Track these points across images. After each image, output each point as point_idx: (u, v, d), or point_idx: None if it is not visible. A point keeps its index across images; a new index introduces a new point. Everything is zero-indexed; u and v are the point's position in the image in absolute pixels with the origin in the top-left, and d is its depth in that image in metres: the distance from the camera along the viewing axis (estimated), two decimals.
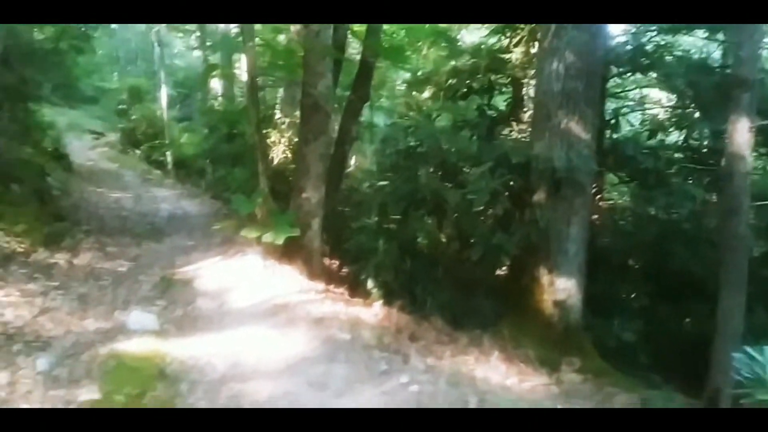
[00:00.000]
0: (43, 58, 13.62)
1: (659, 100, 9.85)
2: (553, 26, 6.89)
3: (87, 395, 4.01)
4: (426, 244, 7.48)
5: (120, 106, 22.47)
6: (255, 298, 6.36)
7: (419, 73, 11.11)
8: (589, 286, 7.17)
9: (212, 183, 14.29)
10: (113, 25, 30.59)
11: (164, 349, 4.97)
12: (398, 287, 7.17)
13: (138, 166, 18.37)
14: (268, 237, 6.96)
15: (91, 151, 20.11)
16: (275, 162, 11.16)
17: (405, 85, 13.57)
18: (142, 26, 25.24)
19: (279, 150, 11.26)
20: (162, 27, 19.14)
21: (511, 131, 8.22)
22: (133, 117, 20.89)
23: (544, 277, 6.91)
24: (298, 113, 8.86)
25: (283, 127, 12.13)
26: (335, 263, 8.54)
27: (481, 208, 6.78)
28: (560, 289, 6.87)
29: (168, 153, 18.34)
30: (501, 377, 5.91)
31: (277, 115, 13.00)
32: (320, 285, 7.14)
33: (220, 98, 19.51)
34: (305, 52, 7.37)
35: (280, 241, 6.92)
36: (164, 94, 18.51)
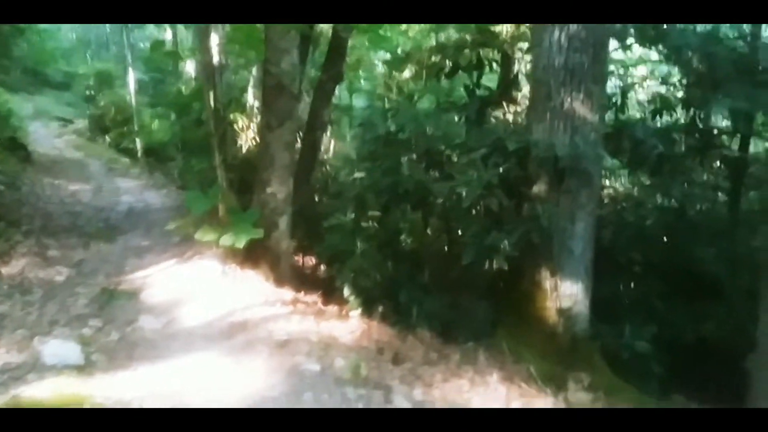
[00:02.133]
0: None
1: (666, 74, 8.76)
2: None
3: None
4: (409, 244, 6.42)
5: (88, 92, 21.09)
6: (209, 314, 5.28)
7: (399, 51, 9.96)
8: (594, 288, 6.15)
9: (181, 172, 13.12)
10: None
11: (86, 390, 3.86)
12: (379, 294, 6.10)
13: (105, 155, 17.11)
14: (226, 240, 5.88)
15: (57, 139, 18.84)
16: (244, 150, 10.05)
17: (384, 65, 12.39)
18: None
19: (248, 136, 10.14)
20: None
21: (504, 114, 7.13)
22: (101, 103, 19.56)
23: (547, 281, 5.85)
24: None
25: (254, 111, 11.01)
26: (308, 263, 7.47)
27: (473, 202, 5.70)
28: (565, 294, 5.83)
29: (137, 140, 17.08)
30: (502, 403, 4.88)
31: (248, 98, 11.86)
32: (288, 294, 6.08)
33: (192, 82, 18.28)
34: (266, 25, 6.24)
35: (241, 244, 5.86)
36: (132, 78, 17.22)
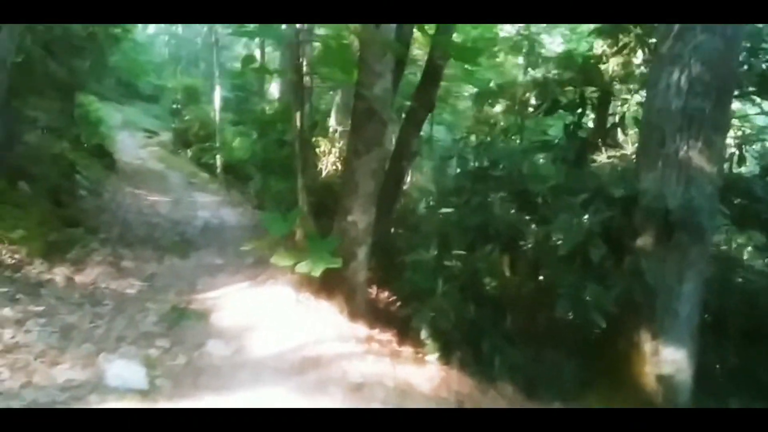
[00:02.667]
0: (83, 48, 12.70)
1: None
2: (675, 27, 5.31)
3: None
4: (495, 288, 5.95)
5: (174, 106, 21.52)
6: (281, 344, 4.94)
7: (491, 84, 9.56)
8: (698, 355, 5.54)
9: (258, 191, 13.03)
10: (177, 26, 30.09)
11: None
12: (459, 339, 5.66)
13: (186, 168, 17.32)
14: (302, 267, 5.54)
15: (142, 149, 19.24)
16: (324, 174, 9.82)
17: (472, 98, 12.02)
18: (205, 27, 24.41)
19: (329, 161, 9.91)
20: (221, 27, 18.05)
21: (610, 158, 6.61)
22: (186, 117, 19.89)
23: (647, 343, 5.29)
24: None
25: (336, 135, 10.80)
26: (384, 299, 7.08)
27: (570, 250, 5.22)
28: (667, 360, 5.25)
29: (218, 156, 17.19)
30: None
31: (331, 122, 11.69)
32: (363, 330, 5.71)
33: (276, 102, 18.38)
34: (362, 46, 5.96)
35: (318, 273, 5.51)
36: (218, 95, 17.39)
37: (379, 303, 6.99)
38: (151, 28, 32.72)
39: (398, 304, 6.62)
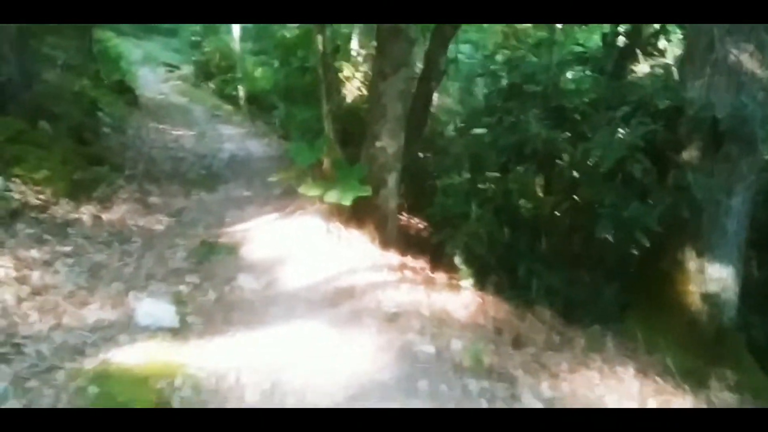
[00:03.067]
0: None
1: None
2: None
3: None
4: (530, 210, 5.72)
5: (193, 38, 21.09)
6: (312, 276, 4.83)
7: None
8: (745, 273, 5.32)
9: (283, 121, 12.77)
10: None
11: (179, 358, 3.49)
12: (494, 264, 5.50)
13: (209, 101, 17.06)
14: (331, 196, 5.39)
15: (163, 84, 18.97)
16: (348, 100, 9.53)
17: None
18: None
19: (353, 86, 9.59)
20: None
21: (652, 67, 6.21)
22: (206, 49, 19.49)
23: (692, 261, 5.07)
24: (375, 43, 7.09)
25: (359, 59, 10.43)
26: (415, 226, 6.92)
27: (612, 167, 4.95)
28: (713, 278, 5.03)
29: (240, 87, 16.88)
30: (636, 402, 4.21)
31: (353, 45, 11.28)
32: (395, 258, 5.58)
33: (296, 30, 17.86)
34: None
35: (347, 201, 5.36)
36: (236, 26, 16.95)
37: (411, 230, 6.85)
38: None
39: (430, 230, 6.46)
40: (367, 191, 5.43)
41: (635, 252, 5.15)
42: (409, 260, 5.73)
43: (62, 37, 12.93)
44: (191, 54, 21.37)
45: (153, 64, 21.47)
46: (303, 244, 5.43)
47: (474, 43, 14.69)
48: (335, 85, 9.04)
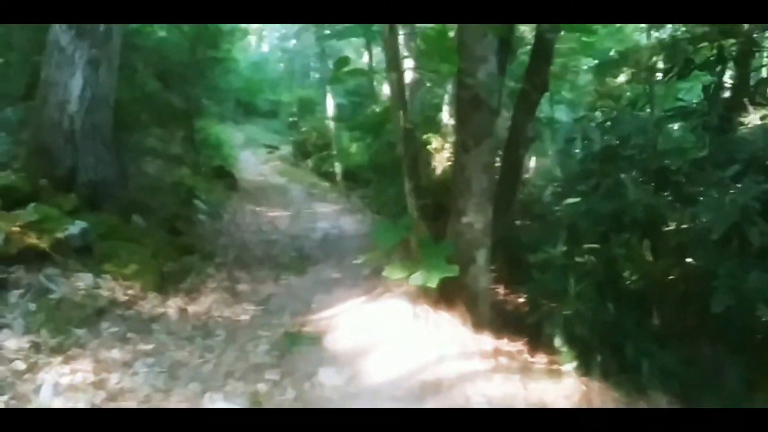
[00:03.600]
0: (196, 73, 13.00)
1: None
2: None
3: None
4: (635, 282, 5.24)
5: (291, 119, 21.84)
6: (397, 367, 4.52)
7: (612, 53, 8.69)
8: None
9: (375, 197, 12.78)
10: (290, 43, 30.65)
11: None
12: (598, 344, 5.01)
13: (307, 179, 17.43)
14: (416, 279, 5.12)
15: (263, 165, 19.62)
16: (438, 172, 9.36)
17: (592, 70, 11.11)
18: (313, 38, 24.63)
19: (442, 157, 9.43)
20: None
21: (763, 118, 5.65)
22: (303, 129, 20.10)
23: None
24: None
25: (450, 130, 10.31)
26: (511, 301, 6.52)
27: (724, 233, 4.44)
28: None
29: (336, 164, 17.19)
30: None
31: (443, 116, 11.21)
32: (488, 341, 5.21)
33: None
34: (459, 30, 5.45)
35: (433, 284, 5.06)
36: (330, 103, 17.42)
37: (507, 306, 6.45)
38: (265, 46, 33.71)
39: (527, 307, 6.04)
40: (453, 271, 5.13)
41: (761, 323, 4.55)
42: (504, 343, 5.33)
43: (167, 129, 13.67)
44: (289, 134, 22.12)
45: (254, 147, 22.34)
46: (388, 331, 5.16)
47: (568, 103, 14.34)
48: (423, 158, 8.92)
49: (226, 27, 14.30)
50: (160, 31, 11.97)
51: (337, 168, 16.93)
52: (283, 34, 30.65)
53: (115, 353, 4.51)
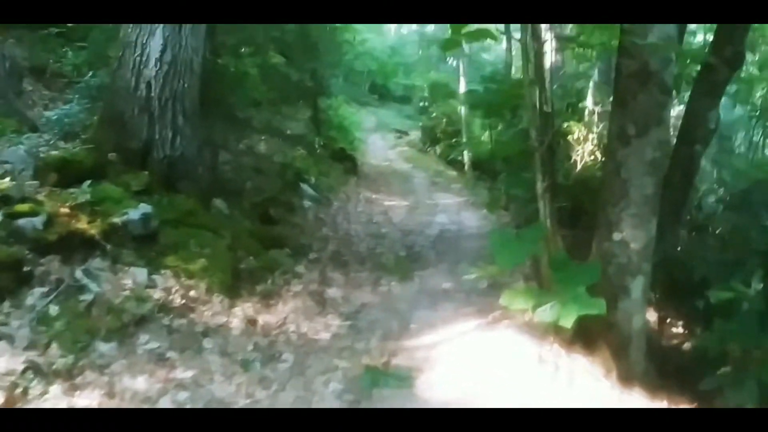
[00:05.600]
0: (322, 50, 11.98)
1: None
2: None
3: None
4: None
5: (422, 104, 20.54)
6: None
7: None
8: None
9: (506, 191, 11.17)
10: (428, 26, 29.27)
11: None
12: None
13: (433, 167, 16.08)
14: (544, 313, 3.62)
15: (391, 150, 18.53)
16: (578, 167, 7.67)
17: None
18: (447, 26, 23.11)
19: (585, 150, 7.73)
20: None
21: None
22: (434, 114, 18.70)
23: None
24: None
25: (593, 118, 8.54)
26: (675, 345, 4.81)
27: None
28: None
29: (465, 152, 15.66)
30: None
31: (587, 103, 9.40)
32: (641, 400, 3.65)
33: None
34: None
35: (568, 323, 3.54)
36: (462, 88, 15.88)
37: (668, 352, 4.73)
38: (404, 29, 32.52)
39: (698, 357, 4.34)
40: (598, 308, 3.57)
41: None
42: (663, 406, 3.73)
43: (293, 107, 12.78)
44: (419, 120, 20.85)
45: (384, 131, 21.27)
46: (503, 376, 3.73)
47: (731, 96, 11.93)
48: (562, 151, 7.28)
49: None
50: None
51: (466, 157, 15.39)
52: None
53: (141, 382, 3.36)
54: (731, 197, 5.91)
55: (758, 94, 10.30)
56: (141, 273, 4.37)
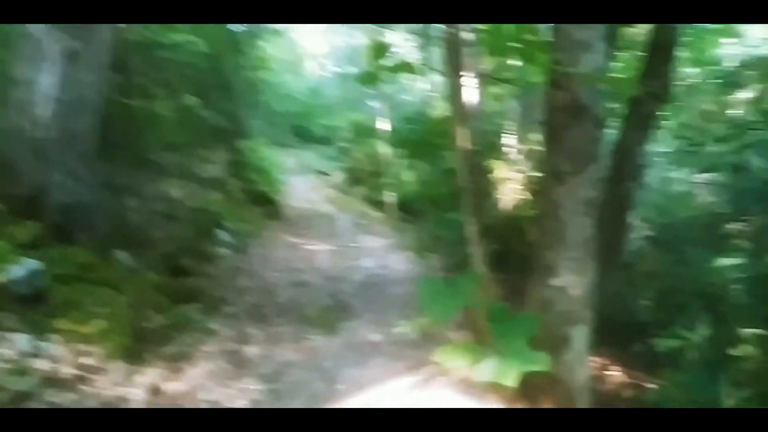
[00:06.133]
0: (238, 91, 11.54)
1: None
2: None
3: None
4: None
5: (343, 144, 20.26)
6: None
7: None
8: None
9: (433, 233, 10.84)
10: (349, 68, 29.23)
11: None
12: None
13: (356, 208, 15.67)
14: (484, 372, 3.24)
15: (313, 192, 18.02)
16: (501, 207, 7.44)
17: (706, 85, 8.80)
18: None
19: (508, 190, 7.52)
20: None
21: None
22: (356, 155, 18.42)
23: None
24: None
25: (518, 157, 8.39)
26: (621, 392, 4.51)
27: None
28: None
29: (389, 193, 15.37)
30: None
31: (508, 141, 9.26)
32: None
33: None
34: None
35: (509, 381, 3.17)
36: (382, 127, 15.68)
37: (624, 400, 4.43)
38: (325, 72, 32.44)
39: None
40: (542, 363, 3.23)
41: None
42: None
43: (212, 150, 12.17)
44: (341, 160, 20.53)
45: (306, 172, 20.82)
46: None
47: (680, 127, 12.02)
48: (486, 190, 7.05)
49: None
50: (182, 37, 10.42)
51: (390, 197, 15.10)
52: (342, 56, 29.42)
53: None
54: (658, 233, 5.77)
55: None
56: (21, 340, 3.74)
